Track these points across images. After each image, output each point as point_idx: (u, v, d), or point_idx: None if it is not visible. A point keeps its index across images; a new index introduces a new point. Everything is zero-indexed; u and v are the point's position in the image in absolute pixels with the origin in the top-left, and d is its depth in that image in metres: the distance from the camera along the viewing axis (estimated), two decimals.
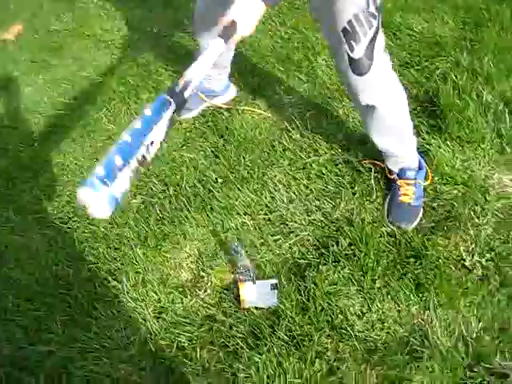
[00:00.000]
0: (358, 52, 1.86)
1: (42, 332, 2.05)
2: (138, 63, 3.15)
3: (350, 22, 1.80)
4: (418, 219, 2.14)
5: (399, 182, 2.20)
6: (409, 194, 2.18)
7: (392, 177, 2.24)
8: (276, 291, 1.96)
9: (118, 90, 3.01)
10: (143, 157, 1.41)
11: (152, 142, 1.42)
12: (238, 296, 1.96)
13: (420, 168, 2.23)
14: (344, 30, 1.82)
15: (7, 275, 2.26)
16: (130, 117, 2.83)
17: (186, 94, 1.53)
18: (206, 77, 2.46)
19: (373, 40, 1.86)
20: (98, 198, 1.27)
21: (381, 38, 1.90)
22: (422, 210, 2.17)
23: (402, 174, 2.20)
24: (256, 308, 1.94)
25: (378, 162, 2.30)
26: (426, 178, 2.23)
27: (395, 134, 2.15)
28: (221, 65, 2.56)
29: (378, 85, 1.98)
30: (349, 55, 1.87)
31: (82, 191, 1.26)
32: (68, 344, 2.00)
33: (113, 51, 3.31)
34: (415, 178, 2.19)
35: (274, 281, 1.99)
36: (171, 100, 1.50)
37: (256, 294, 1.95)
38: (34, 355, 1.99)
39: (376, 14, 1.82)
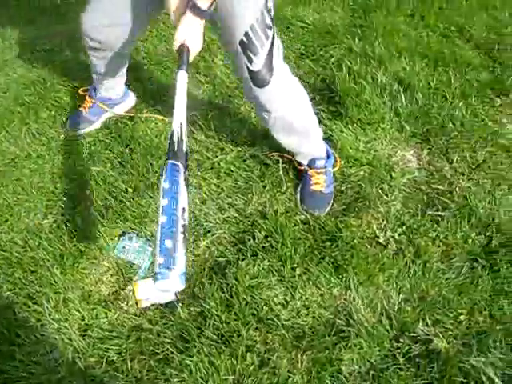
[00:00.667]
0: (257, 64, 1.89)
1: None
2: (33, 82, 3.07)
3: (246, 33, 1.82)
4: (330, 205, 2.21)
5: (310, 171, 2.26)
6: (320, 182, 2.24)
7: (302, 168, 2.31)
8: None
9: (16, 110, 2.92)
10: (183, 226, 1.52)
11: (183, 209, 1.55)
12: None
13: (328, 156, 2.28)
14: (241, 42, 1.84)
15: None
16: (32, 137, 2.76)
17: (184, 145, 1.65)
18: (103, 86, 2.55)
19: (270, 50, 1.89)
20: (172, 283, 1.42)
21: (278, 48, 1.94)
22: (333, 195, 2.24)
23: (311, 164, 2.25)
24: (153, 305, 1.96)
25: (286, 155, 2.34)
26: (334, 165, 2.30)
27: (302, 133, 2.19)
28: (116, 73, 2.55)
29: (281, 95, 2.02)
30: (248, 67, 1.90)
31: (159, 284, 1.42)
32: None
33: (7, 72, 3.21)
34: (325, 167, 2.26)
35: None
36: (176, 162, 1.61)
37: (152, 292, 1.96)
38: None
39: (271, 24, 1.86)
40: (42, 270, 2.17)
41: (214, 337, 1.86)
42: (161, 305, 1.98)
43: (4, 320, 2.05)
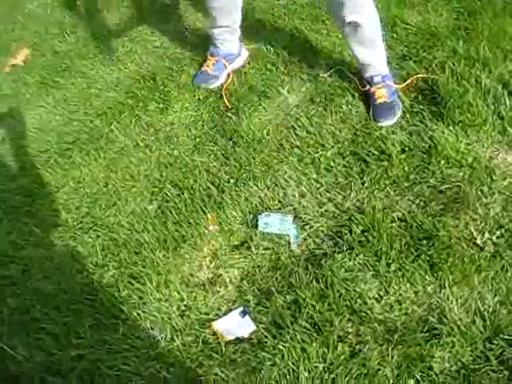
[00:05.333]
0: None
1: (72, 337, 2.11)
2: (143, 76, 3.22)
3: None
4: (399, 113, 2.53)
5: (372, 89, 2.59)
6: (382, 94, 2.56)
7: (366, 88, 2.63)
8: (247, 316, 2.00)
9: (127, 103, 3.09)
10: None
11: None
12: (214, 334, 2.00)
13: (386, 74, 2.62)
14: None
15: (34, 287, 2.33)
16: (141, 128, 2.92)
17: None
18: (223, 41, 2.98)
19: None
20: None
21: None
22: (399, 104, 2.57)
23: (371, 80, 2.60)
24: (237, 338, 1.97)
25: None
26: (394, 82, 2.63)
27: (374, 46, 2.54)
28: (233, 27, 2.94)
29: (365, 7, 2.37)
30: None
31: None
32: (97, 347, 2.06)
33: (119, 67, 3.39)
34: (384, 81, 2.58)
35: (241, 308, 2.03)
36: None
37: (231, 326, 1.99)
38: (66, 360, 2.06)
39: None
40: (146, 252, 2.29)
41: (308, 325, 1.90)
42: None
43: (109, 296, 2.19)
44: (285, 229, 2.20)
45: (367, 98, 2.63)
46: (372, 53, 2.55)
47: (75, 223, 2.55)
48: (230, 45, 3.02)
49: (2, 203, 2.80)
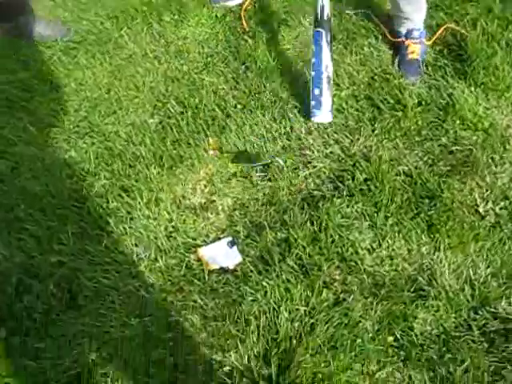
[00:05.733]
0: None
1: (54, 243, 2.06)
2: None
3: None
4: (422, 72, 2.44)
5: (407, 42, 2.49)
6: (416, 50, 2.47)
7: (399, 39, 2.53)
8: (235, 247, 1.95)
9: (141, 9, 2.95)
10: (327, 77, 2.22)
11: (327, 65, 2.21)
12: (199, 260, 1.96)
13: (424, 28, 2.53)
14: None
15: (22, 185, 2.26)
16: (152, 38, 2.80)
17: (325, 13, 2.19)
18: None
19: None
20: (321, 117, 2.24)
21: None
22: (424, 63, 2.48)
23: (408, 34, 2.50)
24: (222, 268, 1.93)
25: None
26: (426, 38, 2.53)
27: (417, 2, 2.47)
28: None
29: None
30: None
31: (315, 119, 2.25)
32: (79, 256, 2.02)
33: None
34: (420, 37, 2.49)
35: (229, 238, 1.99)
36: (320, 29, 2.20)
37: (216, 255, 1.95)
38: (45, 265, 2.01)
39: None
40: (141, 167, 2.22)
41: (295, 266, 1.86)
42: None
43: (97, 206, 2.13)
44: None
45: (396, 49, 2.54)
46: (417, 7, 2.47)
47: (71, 126, 2.46)
48: None
49: (2, 95, 2.69)
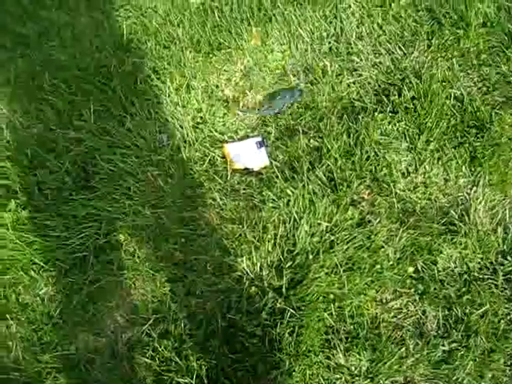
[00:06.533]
0: None
1: (74, 118, 1.98)
2: None
3: None
4: None
5: None
6: None
7: None
8: (264, 149, 1.84)
9: None
10: None
11: None
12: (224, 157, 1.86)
13: None
14: None
15: (47, 53, 2.16)
16: None
17: None
18: None
19: None
20: None
21: None
22: None
23: None
24: (246, 169, 1.83)
25: None
26: None
27: None
28: None
29: None
30: None
31: None
32: (99, 135, 1.93)
33: None
34: None
35: (259, 138, 1.87)
36: None
37: (243, 154, 1.84)
38: (63, 140, 1.94)
39: None
40: (176, 49, 2.09)
41: (324, 178, 1.75)
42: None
43: (124, 85, 2.02)
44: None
45: None
46: None
47: None
48: None
49: None
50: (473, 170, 1.78)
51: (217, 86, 2.00)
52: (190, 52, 2.07)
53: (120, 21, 2.20)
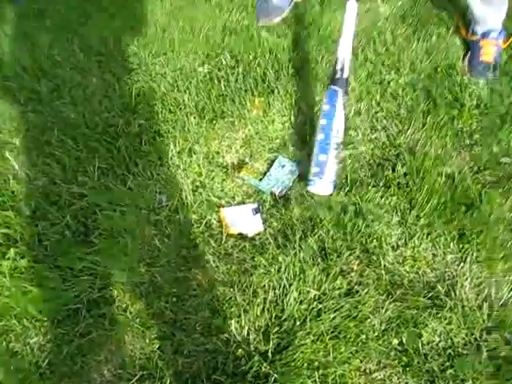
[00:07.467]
0: None
1: (79, 173, 2.05)
2: None
3: None
4: (496, 73, 2.30)
5: (482, 42, 2.34)
6: (490, 52, 2.32)
7: (474, 38, 2.37)
8: (259, 215, 1.90)
9: None
10: (337, 143, 1.90)
11: (338, 130, 1.90)
12: (220, 221, 1.91)
13: (501, 30, 2.34)
14: None
15: (58, 109, 2.24)
16: None
17: (345, 73, 1.92)
18: None
19: None
20: (320, 188, 1.90)
21: None
22: (498, 65, 2.32)
23: (486, 35, 2.33)
24: (241, 234, 1.88)
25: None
26: (504, 41, 2.37)
27: (498, 3, 2.27)
28: None
29: None
30: None
31: (311, 189, 1.91)
32: (101, 192, 1.99)
33: None
34: (497, 38, 2.33)
35: (255, 205, 1.93)
36: (336, 88, 1.90)
37: (238, 219, 1.90)
38: (67, 194, 2.00)
39: None
40: (180, 114, 2.17)
41: (315, 247, 1.80)
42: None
43: (129, 145, 2.11)
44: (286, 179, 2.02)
45: (468, 46, 2.40)
46: (496, 8, 2.29)
47: (119, 58, 2.42)
48: None
49: (58, 15, 2.65)
50: (461, 246, 1.82)
51: (218, 152, 2.07)
52: (195, 118, 2.15)
53: (130, 84, 2.29)
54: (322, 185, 1.89)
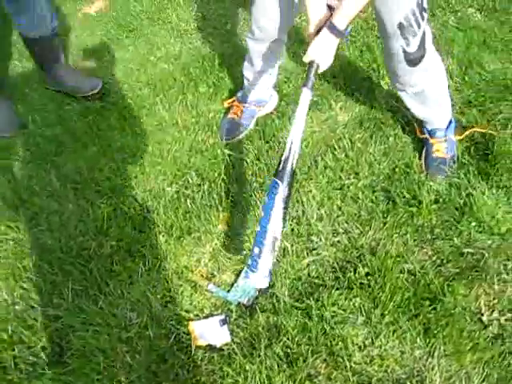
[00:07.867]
0: (413, 45, 2.02)
1: (55, 296, 2.11)
2: (204, 56, 3.19)
3: (406, 17, 1.93)
4: (453, 167, 2.37)
5: (431, 140, 2.42)
6: (441, 149, 2.39)
7: (424, 136, 2.46)
8: (226, 326, 1.93)
9: (179, 79, 3.06)
10: (273, 238, 1.88)
11: (275, 224, 1.87)
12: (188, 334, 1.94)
13: (450, 123, 2.44)
14: (400, 25, 1.95)
15: (36, 236, 2.33)
16: (185, 108, 2.88)
17: (289, 165, 1.88)
18: (258, 86, 2.65)
19: (425, 32, 2.03)
20: (254, 281, 1.92)
21: (429, 29, 2.09)
22: (455, 159, 2.40)
23: (433, 134, 2.42)
24: (209, 346, 1.91)
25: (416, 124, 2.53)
26: (455, 133, 2.45)
27: (437, 105, 2.36)
28: (268, 73, 2.61)
29: (427, 71, 2.17)
30: (404, 49, 2.04)
31: (245, 281, 1.96)
32: (75, 313, 2.04)
33: (184, 41, 3.37)
34: (445, 135, 2.41)
35: (222, 316, 1.97)
36: (277, 180, 1.87)
37: (206, 331, 1.93)
38: (43, 317, 2.05)
39: (426, 7, 1.98)
40: (150, 233, 2.26)
41: (281, 353, 1.83)
42: (244, 306, 2.00)
43: (101, 267, 2.17)
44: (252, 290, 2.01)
45: (422, 144, 2.48)
46: (435, 111, 2.39)
47: (93, 185, 2.54)
48: (263, 91, 2.71)
49: (36, 147, 2.81)
50: (428, 341, 1.84)
51: (186, 267, 2.14)
52: (163, 236, 2.24)
53: (102, 208, 2.39)
54: (256, 279, 1.91)
